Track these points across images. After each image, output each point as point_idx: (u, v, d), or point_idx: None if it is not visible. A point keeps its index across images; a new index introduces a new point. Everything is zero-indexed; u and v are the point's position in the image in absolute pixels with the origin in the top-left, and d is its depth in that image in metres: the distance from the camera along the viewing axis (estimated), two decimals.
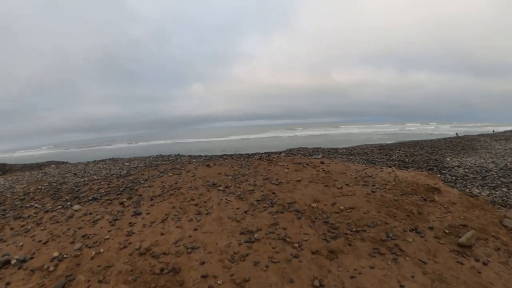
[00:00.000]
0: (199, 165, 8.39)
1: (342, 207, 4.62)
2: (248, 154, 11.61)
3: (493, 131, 23.85)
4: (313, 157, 8.92)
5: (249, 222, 4.11)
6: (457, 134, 29.49)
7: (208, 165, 8.07)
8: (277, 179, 6.11)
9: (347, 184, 5.69)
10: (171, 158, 11.43)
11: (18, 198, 7.02)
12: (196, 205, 4.86)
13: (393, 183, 5.81)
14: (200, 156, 12.34)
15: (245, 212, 4.50)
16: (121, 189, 6.48)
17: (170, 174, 7.32)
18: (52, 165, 15.78)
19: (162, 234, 3.88)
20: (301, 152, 12.29)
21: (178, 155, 13.37)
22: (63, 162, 20.67)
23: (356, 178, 6.14)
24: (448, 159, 11.06)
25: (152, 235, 3.88)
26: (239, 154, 12.11)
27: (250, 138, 55.34)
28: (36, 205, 6.24)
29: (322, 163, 7.56)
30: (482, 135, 20.02)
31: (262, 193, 5.28)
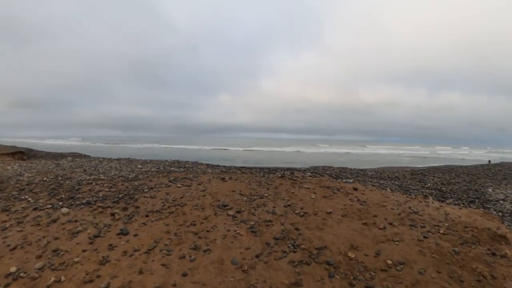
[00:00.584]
0: (213, 177, 7.44)
1: (389, 261, 3.37)
2: (269, 169, 10.53)
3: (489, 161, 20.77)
4: (343, 180, 7.64)
5: (260, 275, 2.96)
6: (489, 161, 26.02)
7: (223, 179, 7.08)
8: (302, 208, 4.94)
9: (390, 224, 4.40)
10: (187, 165, 10.62)
11: (19, 188, 6.47)
12: (195, 233, 3.81)
13: (446, 224, 4.45)
14: (218, 166, 11.43)
15: (257, 256, 3.36)
16: (120, 195, 5.66)
17: (179, 185, 6.39)
18: (69, 157, 15.68)
19: (140, 272, 2.86)
20: (328, 172, 11.02)
21: (196, 162, 12.55)
22: (85, 156, 20.84)
23: (399, 214, 4.82)
24: (490, 190, 9.56)
25: (128, 271, 2.87)
26: (259, 168, 11.06)
27: (274, 151, 53.60)
28: (30, 199, 5.68)
29: (355, 189, 6.28)
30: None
31: (282, 226, 4.14)
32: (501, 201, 7.94)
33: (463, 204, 7.72)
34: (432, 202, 5.99)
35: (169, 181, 6.94)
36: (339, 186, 6.51)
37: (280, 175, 7.82)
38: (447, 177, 12.52)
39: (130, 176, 7.89)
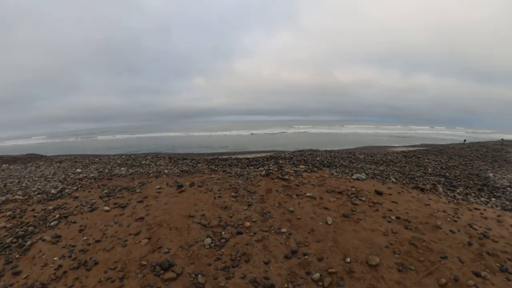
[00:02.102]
0: (168, 182, 5.19)
1: None
2: (248, 160, 8.41)
3: (502, 139, 21.05)
4: (353, 177, 5.65)
5: None
6: (465, 140, 27.56)
7: (180, 186, 4.86)
8: (320, 259, 2.75)
9: (477, 274, 2.46)
10: (143, 162, 8.25)
11: None
12: None
13: None
14: (184, 159, 9.11)
15: None
16: (12, 237, 3.31)
17: (107, 208, 4.03)
18: (4, 165, 12.59)
19: None
20: (318, 159, 9.09)
21: (157, 155, 10.11)
22: (41, 157, 17.64)
23: (470, 245, 2.90)
24: (490, 175, 8.50)
25: None
26: (236, 159, 8.87)
27: (254, 134, 50.44)
28: None
29: (379, 193, 4.27)
30: (505, 144, 17.02)
31: None
32: (508, 189, 6.80)
33: (474, 193, 6.33)
34: (485, 210, 4.14)
35: (100, 197, 4.61)
36: (354, 190, 4.48)
37: (265, 173, 5.72)
38: (442, 160, 11.40)
39: (54, 190, 5.45)
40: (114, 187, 5.17)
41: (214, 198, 4.25)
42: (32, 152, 24.60)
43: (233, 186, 4.84)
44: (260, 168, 6.51)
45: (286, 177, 5.24)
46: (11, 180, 6.93)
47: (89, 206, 4.26)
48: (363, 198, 4.11)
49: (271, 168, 6.38)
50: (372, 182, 5.27)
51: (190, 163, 7.83)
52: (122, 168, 7.28)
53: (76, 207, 4.27)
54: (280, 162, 7.26)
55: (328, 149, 15.67)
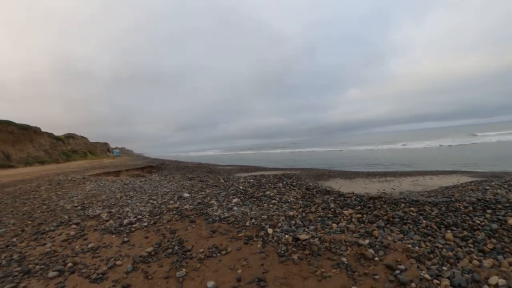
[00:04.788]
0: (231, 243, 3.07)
1: None
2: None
3: None
4: None
5: None
6: None
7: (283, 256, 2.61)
8: None
9: None
10: (267, 193, 6.54)
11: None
12: None
13: None
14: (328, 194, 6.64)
15: None
16: None
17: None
18: (155, 174, 14.72)
19: None
20: None
21: (298, 178, 8.10)
22: (204, 166, 20.58)
23: None
24: None
25: None
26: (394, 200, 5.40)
27: (428, 146, 36.19)
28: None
29: None
30: None
31: None
32: None
33: None
34: None
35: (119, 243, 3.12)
36: None
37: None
38: None
39: (125, 221, 4.64)
40: (212, 230, 3.60)
41: None
42: (205, 162, 29.36)
43: None
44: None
45: None
46: (146, 190, 7.06)
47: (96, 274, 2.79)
48: None
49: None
50: None
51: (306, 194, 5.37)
52: (235, 200, 5.77)
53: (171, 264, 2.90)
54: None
55: None
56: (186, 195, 6.76)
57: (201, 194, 6.82)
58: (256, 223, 3.97)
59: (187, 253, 3.16)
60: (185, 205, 5.58)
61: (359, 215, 4.15)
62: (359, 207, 4.61)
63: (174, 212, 5.09)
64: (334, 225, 3.84)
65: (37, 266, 3.14)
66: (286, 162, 24.65)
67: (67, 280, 2.79)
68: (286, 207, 5.02)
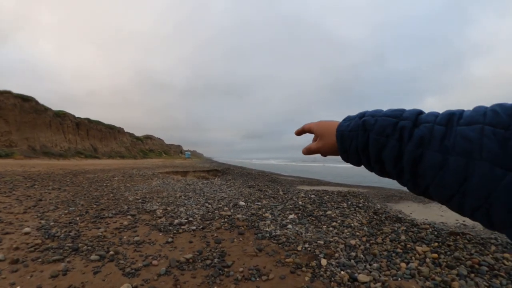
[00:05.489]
0: None
1: None
2: None
3: None
4: None
5: None
6: None
7: None
8: None
9: None
10: (328, 213, 6.16)
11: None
12: None
13: None
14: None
15: None
16: None
17: None
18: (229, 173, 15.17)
19: None
20: None
21: (362, 200, 7.43)
22: (274, 174, 20.63)
23: None
24: None
25: None
26: None
27: None
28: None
29: None
30: None
31: None
32: None
33: None
34: None
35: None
36: None
37: None
38: None
39: (176, 221, 4.74)
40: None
41: None
42: (268, 170, 29.47)
43: None
44: None
45: None
46: (193, 193, 7.40)
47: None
48: None
49: None
50: None
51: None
52: (291, 216, 5.33)
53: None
54: None
55: None
56: (242, 203, 6.74)
57: (257, 204, 6.70)
58: (309, 248, 3.41)
59: (225, 269, 2.85)
60: (238, 214, 5.47)
61: (435, 255, 3.38)
62: (436, 243, 3.78)
63: (226, 220, 4.89)
64: (403, 264, 3.17)
65: (85, 247, 3.31)
66: (353, 178, 22.79)
67: (104, 266, 2.83)
68: (347, 233, 4.38)
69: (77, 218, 4.66)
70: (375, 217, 5.44)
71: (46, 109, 36.72)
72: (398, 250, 3.54)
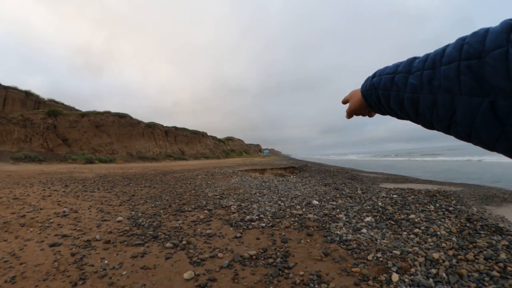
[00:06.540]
0: None
1: None
2: None
3: None
4: None
5: None
6: None
7: None
8: None
9: None
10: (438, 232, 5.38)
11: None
12: None
13: None
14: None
15: None
16: None
17: None
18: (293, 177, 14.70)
19: None
20: None
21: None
22: (355, 171, 19.40)
23: None
24: None
25: None
26: None
27: None
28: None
29: None
30: None
31: None
32: None
33: None
34: None
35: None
36: None
37: None
38: None
39: (247, 217, 4.76)
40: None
41: None
42: (349, 167, 27.91)
43: None
44: None
45: None
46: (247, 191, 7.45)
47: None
48: None
49: None
50: None
51: None
52: (367, 219, 4.86)
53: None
54: None
55: None
56: (315, 202, 6.41)
57: (331, 204, 6.27)
58: (381, 259, 2.96)
59: (286, 270, 2.71)
60: (310, 213, 5.17)
61: None
62: None
63: (296, 219, 4.72)
64: None
65: (163, 235, 3.71)
66: (445, 173, 19.00)
67: (176, 253, 3.11)
68: (431, 243, 3.56)
69: (161, 211, 5.30)
70: (468, 224, 4.35)
71: (139, 122, 43.86)
72: (494, 273, 2.70)
